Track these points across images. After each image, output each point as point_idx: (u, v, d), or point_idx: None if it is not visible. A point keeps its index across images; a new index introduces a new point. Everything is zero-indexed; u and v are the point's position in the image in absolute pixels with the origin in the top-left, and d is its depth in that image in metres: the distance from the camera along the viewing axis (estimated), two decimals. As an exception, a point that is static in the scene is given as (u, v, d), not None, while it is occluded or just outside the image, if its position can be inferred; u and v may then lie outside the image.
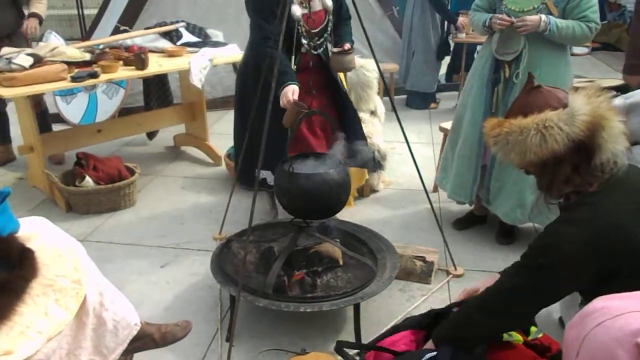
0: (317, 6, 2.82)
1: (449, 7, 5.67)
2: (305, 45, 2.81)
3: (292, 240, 2.44)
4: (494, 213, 3.08)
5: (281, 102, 2.54)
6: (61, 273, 1.60)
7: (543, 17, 2.63)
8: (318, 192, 2.25)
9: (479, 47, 5.09)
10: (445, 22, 5.57)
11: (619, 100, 2.30)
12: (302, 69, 2.81)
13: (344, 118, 3.00)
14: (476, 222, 3.30)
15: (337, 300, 2.24)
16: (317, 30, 2.83)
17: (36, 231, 1.71)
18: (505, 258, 2.94)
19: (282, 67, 2.53)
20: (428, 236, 3.18)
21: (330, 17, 2.84)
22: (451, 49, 5.94)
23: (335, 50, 2.85)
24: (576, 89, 1.64)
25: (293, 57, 2.79)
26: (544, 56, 2.73)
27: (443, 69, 6.26)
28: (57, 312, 1.54)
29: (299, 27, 2.76)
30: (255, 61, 2.81)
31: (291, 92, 2.54)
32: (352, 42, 2.91)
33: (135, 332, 1.84)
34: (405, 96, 5.90)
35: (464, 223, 3.30)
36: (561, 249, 1.46)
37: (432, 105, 5.78)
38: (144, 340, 1.93)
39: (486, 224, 3.30)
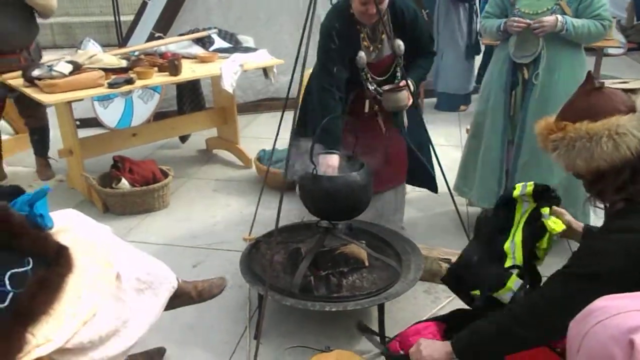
0: (387, 51, 2.73)
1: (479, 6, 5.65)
2: (372, 91, 2.74)
3: (318, 242, 2.50)
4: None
5: (321, 169, 2.46)
6: (94, 261, 1.71)
7: (559, 17, 2.67)
8: (341, 194, 2.31)
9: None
10: (475, 22, 5.55)
11: None
12: (370, 115, 2.81)
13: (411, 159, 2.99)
14: (503, 225, 3.30)
15: (361, 300, 2.29)
16: (384, 77, 2.77)
17: (69, 224, 1.82)
18: (532, 261, 2.94)
19: (332, 128, 2.47)
20: (454, 238, 3.20)
21: (400, 61, 2.69)
22: (482, 48, 5.93)
23: (386, 87, 2.72)
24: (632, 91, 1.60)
25: (367, 102, 2.78)
26: (562, 56, 2.77)
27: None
28: (90, 295, 1.64)
29: (364, 73, 2.71)
30: (318, 99, 2.71)
31: (326, 165, 2.48)
32: (417, 79, 2.79)
33: (173, 291, 1.98)
34: (435, 99, 5.92)
35: (490, 226, 3.30)
36: (619, 256, 1.40)
37: (462, 107, 5.76)
38: (182, 297, 2.09)
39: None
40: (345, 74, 2.64)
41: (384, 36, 2.68)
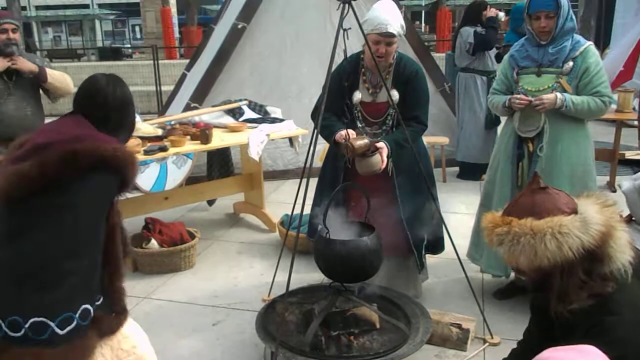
0: (382, 98, 2.93)
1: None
2: (360, 129, 2.93)
3: (330, 302, 2.62)
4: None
5: (336, 136, 2.78)
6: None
7: (559, 94, 2.83)
8: (352, 258, 2.45)
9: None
10: None
11: (629, 183, 2.37)
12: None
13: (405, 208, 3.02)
14: (517, 292, 3.35)
15: (369, 360, 2.38)
16: (376, 120, 2.96)
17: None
18: (544, 329, 2.98)
19: (327, 122, 2.76)
20: (468, 304, 3.25)
21: (391, 111, 2.90)
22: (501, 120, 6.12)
23: (361, 153, 2.76)
24: (586, 195, 1.64)
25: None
26: (564, 130, 2.92)
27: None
28: None
29: (356, 111, 2.95)
30: (313, 113, 3.05)
31: (344, 132, 2.73)
32: (393, 142, 2.83)
33: None
34: (458, 168, 6.07)
35: (504, 293, 3.36)
36: (632, 339, 1.43)
37: (483, 176, 5.86)
38: None
39: (529, 295, 3.34)
40: (341, 104, 2.89)
41: (383, 83, 2.90)
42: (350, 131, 2.74)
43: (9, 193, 1.63)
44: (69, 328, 1.63)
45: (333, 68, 2.65)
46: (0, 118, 3.50)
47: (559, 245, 1.49)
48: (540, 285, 1.60)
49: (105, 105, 1.87)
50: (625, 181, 2.42)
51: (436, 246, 3.24)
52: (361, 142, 2.70)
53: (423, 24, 40.03)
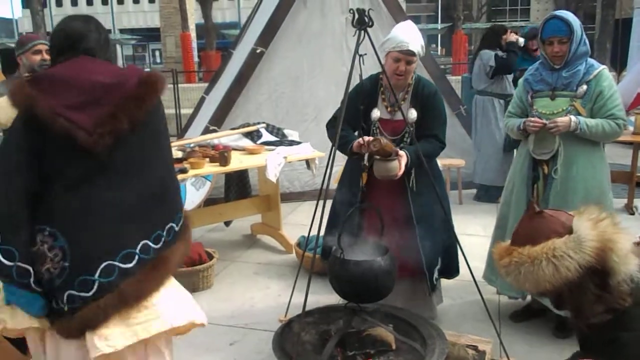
0: (400, 116, 2.97)
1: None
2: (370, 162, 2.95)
3: (346, 323, 2.64)
4: (545, 304, 3.14)
5: (356, 148, 2.87)
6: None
7: (573, 117, 2.86)
8: (365, 278, 2.48)
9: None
10: None
11: None
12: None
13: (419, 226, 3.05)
14: (534, 314, 3.35)
15: (385, 380, 2.39)
16: (394, 137, 3.01)
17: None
18: (561, 352, 2.95)
19: (343, 132, 2.84)
20: (484, 326, 3.25)
21: (410, 129, 2.93)
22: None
23: (378, 157, 2.85)
24: (579, 212, 1.66)
25: (365, 156, 2.94)
26: (579, 153, 2.94)
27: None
28: None
29: (374, 128, 3.02)
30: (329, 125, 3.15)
31: (361, 139, 2.82)
32: (414, 154, 2.86)
33: None
34: (475, 190, 6.07)
35: (521, 315, 3.36)
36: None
37: (500, 199, 5.87)
38: None
39: (545, 317, 3.34)
40: (358, 119, 2.94)
41: (402, 102, 2.98)
42: (367, 138, 2.80)
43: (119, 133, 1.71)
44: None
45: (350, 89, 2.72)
46: None
47: (556, 269, 1.52)
48: (559, 304, 1.64)
49: (100, 37, 1.89)
50: None
51: (450, 270, 3.26)
52: (384, 140, 2.77)
53: (439, 47, 40.31)
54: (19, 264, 1.66)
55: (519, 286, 1.63)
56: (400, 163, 2.81)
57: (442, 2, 42.00)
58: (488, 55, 5.62)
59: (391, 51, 2.90)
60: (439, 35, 41.49)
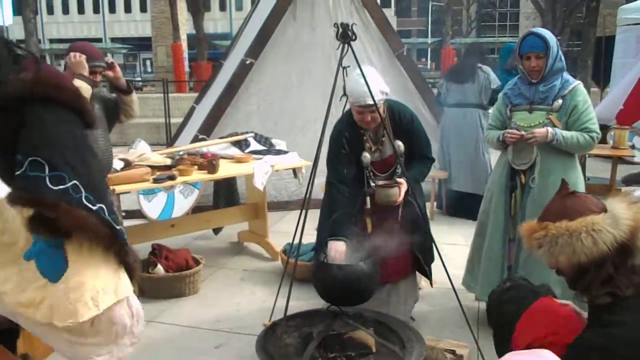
0: (388, 151, 3.06)
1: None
2: (373, 188, 3.03)
3: (327, 326, 2.72)
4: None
5: (329, 255, 2.80)
6: None
7: (550, 129, 3.01)
8: (347, 282, 2.57)
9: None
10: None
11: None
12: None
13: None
14: (512, 321, 3.45)
15: (364, 382, 2.47)
16: (385, 172, 3.09)
17: None
18: (536, 356, 3.06)
19: (339, 218, 2.83)
20: (463, 332, 3.33)
21: (400, 159, 2.99)
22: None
23: (380, 182, 3.00)
24: (612, 196, 1.80)
25: (367, 198, 3.04)
26: (555, 163, 3.09)
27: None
28: None
29: (368, 172, 3.06)
30: (327, 193, 3.09)
31: (334, 250, 2.79)
32: (413, 178, 2.98)
33: None
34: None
35: (498, 321, 3.45)
36: (614, 351, 1.54)
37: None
38: None
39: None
40: (351, 173, 2.99)
41: (384, 138, 3.04)
42: (338, 253, 2.79)
43: None
44: None
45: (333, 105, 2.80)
46: None
47: (594, 241, 1.64)
48: (578, 282, 1.74)
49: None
50: (639, 191, 2.55)
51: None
52: (390, 191, 2.91)
53: (429, 61, 40.74)
54: None
55: (551, 259, 1.72)
56: (400, 190, 2.94)
57: (432, 17, 42.52)
58: (494, 75, 5.58)
59: (353, 104, 2.93)
60: (429, 50, 41.98)
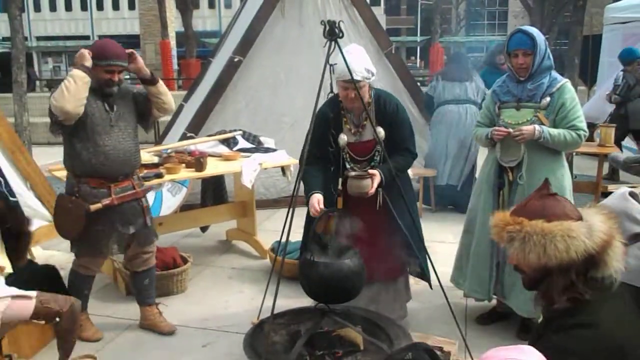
0: (367, 136, 3.06)
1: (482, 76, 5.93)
2: (348, 169, 3.04)
3: (315, 323, 2.72)
4: (510, 307, 3.27)
5: (311, 212, 2.88)
6: None
7: (537, 126, 3.03)
8: (334, 280, 2.57)
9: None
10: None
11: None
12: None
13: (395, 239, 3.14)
14: (499, 318, 3.47)
15: (352, 379, 2.47)
16: (364, 158, 3.08)
17: None
18: (523, 352, 3.07)
19: (310, 177, 2.90)
20: (452, 329, 3.33)
21: (379, 147, 3.01)
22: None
23: (352, 173, 2.98)
24: (589, 206, 1.79)
25: (340, 180, 3.06)
26: (543, 160, 3.11)
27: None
28: None
29: (344, 154, 3.06)
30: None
31: (316, 201, 2.86)
32: (387, 171, 2.95)
33: None
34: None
35: (487, 318, 3.48)
36: (587, 352, 1.54)
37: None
38: None
39: (509, 320, 3.45)
40: (327, 148, 3.02)
41: (366, 122, 3.03)
42: (319, 201, 2.86)
43: None
44: None
45: (321, 101, 2.80)
46: (103, 153, 3.09)
47: (567, 247, 1.64)
48: (536, 284, 1.75)
49: None
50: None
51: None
52: (362, 182, 2.90)
53: (418, 60, 40.84)
54: None
55: (520, 254, 1.72)
56: (372, 181, 2.92)
57: (422, 15, 42.61)
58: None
59: (338, 80, 2.95)
60: (418, 48, 42.07)
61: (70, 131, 3.06)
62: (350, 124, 3.08)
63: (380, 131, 3.02)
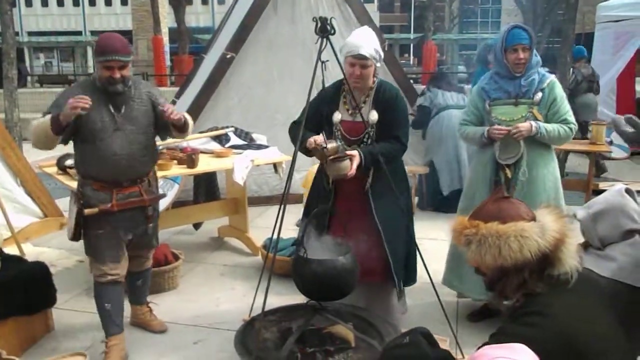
0: (361, 117, 3.02)
1: (472, 78, 5.93)
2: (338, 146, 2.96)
3: (306, 320, 2.72)
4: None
5: (309, 146, 2.86)
6: None
7: (533, 123, 3.08)
8: (327, 277, 2.56)
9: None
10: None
11: (582, 211, 2.51)
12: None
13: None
14: (490, 315, 3.47)
15: (343, 376, 2.47)
16: (355, 138, 3.05)
17: None
18: (514, 349, 3.09)
19: (304, 134, 2.85)
20: (444, 327, 3.35)
21: (370, 130, 3.00)
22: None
23: (331, 157, 2.85)
24: (544, 206, 1.86)
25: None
26: (538, 156, 3.18)
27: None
28: None
29: (336, 130, 3.06)
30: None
31: (313, 138, 2.84)
32: (368, 154, 2.90)
33: None
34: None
35: (477, 316, 3.49)
36: (528, 337, 1.55)
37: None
38: None
39: (499, 317, 3.45)
40: (319, 122, 3.04)
41: (363, 105, 3.04)
42: (319, 137, 2.83)
43: None
44: None
45: (313, 95, 2.80)
46: (103, 158, 2.93)
47: (520, 247, 1.69)
48: (495, 284, 1.80)
49: None
50: (580, 210, 2.56)
51: (408, 278, 3.29)
52: (332, 145, 2.81)
53: (412, 57, 40.87)
54: None
55: (477, 257, 1.76)
56: (352, 162, 2.85)
57: (415, 12, 42.65)
58: None
59: (346, 56, 2.97)
60: (412, 45, 42.10)
61: (75, 133, 2.94)
62: (348, 105, 3.09)
63: (374, 115, 3.02)
